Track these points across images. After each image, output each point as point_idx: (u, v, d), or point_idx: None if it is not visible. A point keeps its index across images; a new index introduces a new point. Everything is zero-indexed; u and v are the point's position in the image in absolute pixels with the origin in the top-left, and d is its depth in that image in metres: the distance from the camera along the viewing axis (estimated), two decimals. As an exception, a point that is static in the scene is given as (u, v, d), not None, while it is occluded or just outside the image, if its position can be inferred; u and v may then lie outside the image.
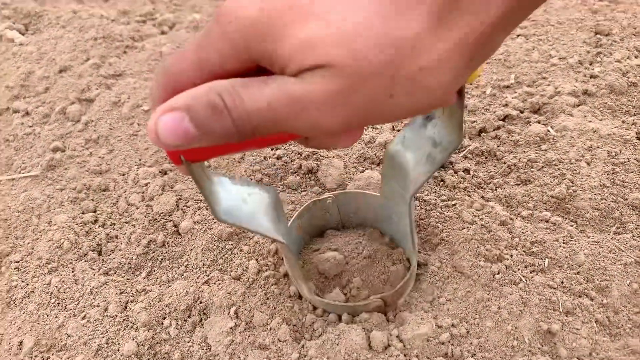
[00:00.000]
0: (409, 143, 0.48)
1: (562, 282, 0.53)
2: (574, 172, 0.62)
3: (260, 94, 0.31)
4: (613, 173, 0.62)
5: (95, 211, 0.68)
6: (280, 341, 0.52)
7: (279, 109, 0.31)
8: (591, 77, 0.75)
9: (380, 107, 0.31)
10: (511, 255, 0.56)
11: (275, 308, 0.54)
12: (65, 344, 0.55)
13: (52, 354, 0.54)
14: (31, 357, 0.54)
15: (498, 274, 0.54)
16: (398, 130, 0.74)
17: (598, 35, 0.82)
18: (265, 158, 0.71)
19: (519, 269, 0.55)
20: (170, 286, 0.58)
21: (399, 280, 0.56)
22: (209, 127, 0.32)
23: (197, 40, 0.33)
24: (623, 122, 0.68)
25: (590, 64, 0.78)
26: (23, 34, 1.02)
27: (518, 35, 0.85)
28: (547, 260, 0.55)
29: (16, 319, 0.58)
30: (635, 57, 0.77)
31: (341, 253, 0.58)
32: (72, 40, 0.96)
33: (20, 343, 0.56)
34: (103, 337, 0.54)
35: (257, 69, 0.32)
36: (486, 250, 0.56)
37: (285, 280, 0.57)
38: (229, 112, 0.31)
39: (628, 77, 0.73)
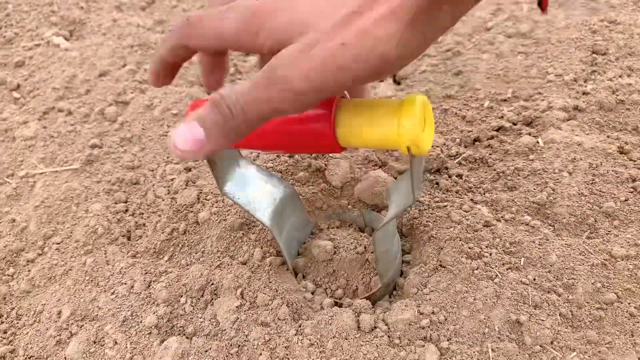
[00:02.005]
0: (398, 187, 0.59)
1: (534, 279, 0.60)
2: (556, 181, 0.68)
3: (246, 82, 0.39)
4: (592, 183, 0.68)
5: (126, 202, 0.76)
6: (280, 320, 0.59)
7: (259, 82, 0.39)
8: (583, 93, 0.81)
9: (334, 58, 0.38)
10: (490, 254, 0.62)
11: (276, 290, 0.62)
12: (97, 315, 0.63)
13: (86, 323, 0.63)
14: (68, 324, 0.63)
15: (477, 269, 0.61)
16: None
17: (594, 55, 0.87)
18: (278, 156, 0.79)
19: (496, 266, 0.61)
20: (188, 269, 0.66)
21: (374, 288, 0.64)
22: (213, 119, 0.39)
23: (219, 13, 0.43)
24: (608, 136, 0.74)
25: (585, 82, 0.83)
26: (68, 40, 1.13)
27: (519, 53, 0.91)
28: (522, 259, 0.62)
29: (56, 292, 0.67)
30: (628, 75, 0.82)
31: (335, 243, 0.66)
32: (112, 47, 1.05)
33: (59, 312, 0.64)
34: (129, 311, 0.62)
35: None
36: (469, 248, 0.63)
37: (286, 265, 0.65)
38: (224, 99, 0.39)
39: (617, 95, 0.79)
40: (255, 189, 0.60)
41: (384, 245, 0.61)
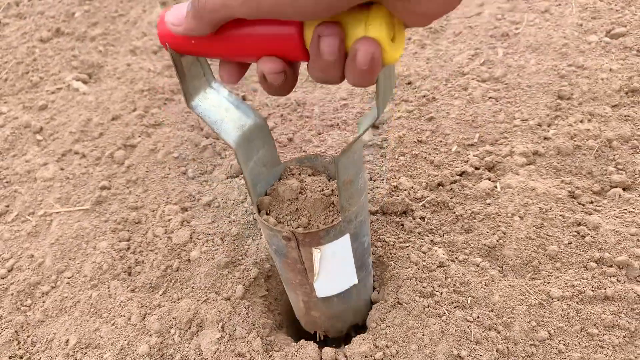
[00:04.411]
0: (368, 114, 0.56)
1: (478, 317, 0.67)
2: (508, 224, 0.75)
3: None
4: (540, 227, 0.74)
5: (128, 240, 0.86)
6: (254, 351, 0.68)
7: None
8: (545, 138, 0.87)
9: None
10: (441, 293, 0.70)
11: (253, 325, 0.71)
12: (99, 343, 0.73)
13: (89, 351, 0.72)
14: (74, 352, 0.73)
15: (428, 307, 0.68)
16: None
17: (559, 100, 0.94)
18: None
19: (445, 304, 0.68)
20: (179, 303, 0.75)
21: None
22: (191, 4, 0.45)
23: None
24: (562, 181, 0.81)
25: (548, 126, 0.90)
26: (86, 83, 1.24)
27: (489, 98, 0.98)
28: (469, 298, 0.69)
29: (65, 322, 0.77)
30: (588, 121, 0.89)
31: (303, 185, 0.64)
32: (124, 91, 1.16)
33: (67, 341, 0.74)
34: (125, 340, 0.72)
35: None
36: (422, 287, 0.70)
37: (261, 300, 0.74)
38: None
39: (575, 141, 0.85)
40: (224, 110, 0.59)
41: (347, 175, 0.57)
